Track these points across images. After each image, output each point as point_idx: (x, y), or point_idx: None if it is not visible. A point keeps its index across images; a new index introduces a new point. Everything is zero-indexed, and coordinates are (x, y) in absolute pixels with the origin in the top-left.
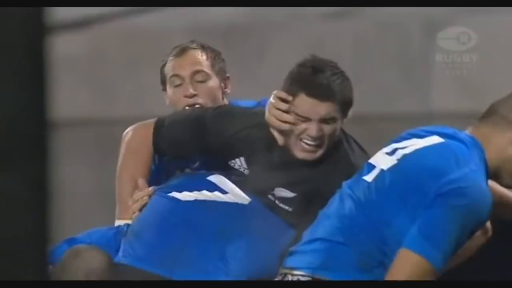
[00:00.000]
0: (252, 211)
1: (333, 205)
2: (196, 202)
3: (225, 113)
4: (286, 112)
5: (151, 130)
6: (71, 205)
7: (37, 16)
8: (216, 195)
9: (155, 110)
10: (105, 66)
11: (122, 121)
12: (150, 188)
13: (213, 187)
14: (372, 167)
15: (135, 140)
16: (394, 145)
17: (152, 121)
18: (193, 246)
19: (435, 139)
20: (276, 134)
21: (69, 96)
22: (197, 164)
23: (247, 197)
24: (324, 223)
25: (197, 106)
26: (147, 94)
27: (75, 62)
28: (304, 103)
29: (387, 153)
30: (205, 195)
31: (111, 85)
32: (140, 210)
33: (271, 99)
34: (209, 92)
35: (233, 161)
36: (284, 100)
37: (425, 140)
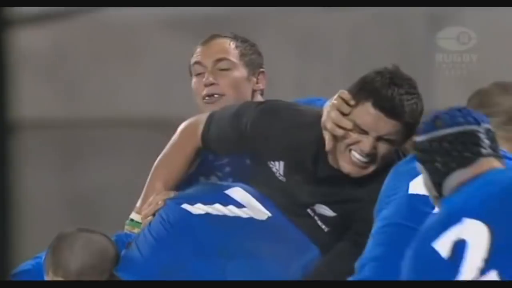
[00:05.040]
0: (269, 227)
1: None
2: (207, 216)
3: (269, 109)
4: (346, 116)
5: (201, 126)
6: (33, 212)
7: None
8: (230, 209)
9: (126, 109)
10: (70, 62)
11: (89, 122)
12: (166, 194)
13: (228, 201)
14: None
15: (183, 134)
16: None
17: (206, 115)
18: (194, 263)
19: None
20: (327, 136)
21: (31, 94)
22: (228, 169)
23: (267, 211)
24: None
25: (215, 96)
26: (116, 92)
27: (37, 58)
28: (367, 113)
29: None
30: (217, 209)
31: (77, 82)
32: (153, 214)
33: (334, 99)
34: (232, 82)
35: (272, 162)
36: (347, 103)
37: None
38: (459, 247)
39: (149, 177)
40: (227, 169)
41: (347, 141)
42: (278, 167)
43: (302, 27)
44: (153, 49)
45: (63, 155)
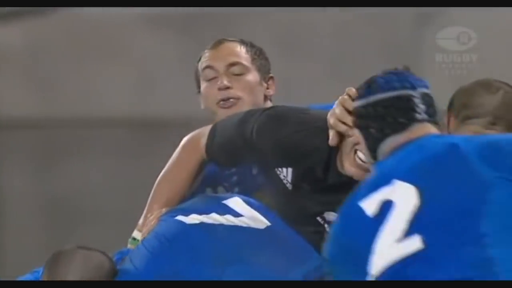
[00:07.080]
0: (268, 236)
1: None
2: (201, 224)
3: (276, 114)
4: (350, 113)
5: (204, 138)
6: (9, 214)
7: None
8: (226, 218)
9: (104, 109)
10: (47, 61)
11: (67, 122)
12: (159, 212)
13: (225, 210)
14: None
15: (185, 148)
16: None
17: (208, 127)
18: (190, 272)
19: None
20: (331, 133)
21: (7, 93)
22: (235, 178)
23: (266, 221)
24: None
25: (231, 100)
26: (95, 91)
27: (14, 57)
28: None
29: None
30: (213, 218)
31: (55, 81)
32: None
33: (342, 96)
34: (247, 85)
35: (280, 169)
36: (352, 100)
37: None
38: (386, 207)
39: (151, 194)
40: (234, 178)
41: (351, 140)
42: (285, 174)
43: (289, 26)
44: (132, 47)
45: (40, 156)
